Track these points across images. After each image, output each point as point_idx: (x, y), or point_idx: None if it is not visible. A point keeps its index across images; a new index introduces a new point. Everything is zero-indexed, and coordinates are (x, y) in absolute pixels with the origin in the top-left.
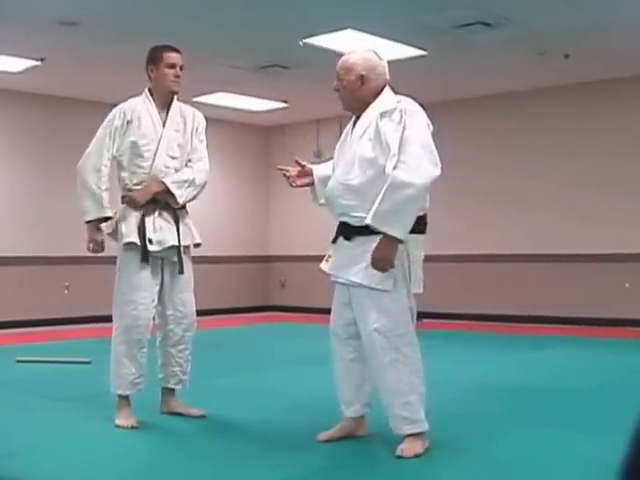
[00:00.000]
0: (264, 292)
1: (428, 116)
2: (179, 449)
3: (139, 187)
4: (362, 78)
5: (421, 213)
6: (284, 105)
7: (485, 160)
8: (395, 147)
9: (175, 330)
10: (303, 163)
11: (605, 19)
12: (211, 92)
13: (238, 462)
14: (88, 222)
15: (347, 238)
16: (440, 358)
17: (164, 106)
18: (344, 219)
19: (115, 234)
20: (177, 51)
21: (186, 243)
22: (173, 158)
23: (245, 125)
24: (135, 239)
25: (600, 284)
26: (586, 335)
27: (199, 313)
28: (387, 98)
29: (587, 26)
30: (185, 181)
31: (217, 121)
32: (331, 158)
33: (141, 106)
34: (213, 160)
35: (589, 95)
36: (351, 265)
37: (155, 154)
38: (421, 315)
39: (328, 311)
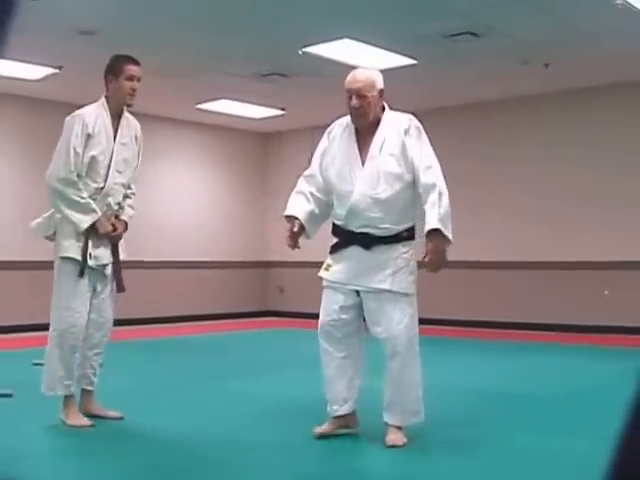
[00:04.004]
0: (262, 297)
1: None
2: (161, 454)
3: (87, 200)
4: (381, 92)
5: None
6: (281, 112)
7: (471, 167)
8: (427, 160)
9: (95, 334)
10: (295, 230)
11: (585, 29)
12: (214, 99)
13: (236, 461)
14: (85, 229)
15: (367, 247)
16: (427, 364)
17: (115, 116)
18: (366, 230)
19: (52, 237)
20: (137, 63)
21: (121, 260)
22: (119, 173)
23: (243, 131)
24: (75, 254)
25: (580, 292)
26: (567, 342)
27: (198, 318)
28: (395, 114)
29: (567, 36)
30: (131, 217)
31: (216, 127)
32: None
33: (99, 118)
34: (211, 166)
35: (568, 103)
36: (371, 273)
37: (108, 170)
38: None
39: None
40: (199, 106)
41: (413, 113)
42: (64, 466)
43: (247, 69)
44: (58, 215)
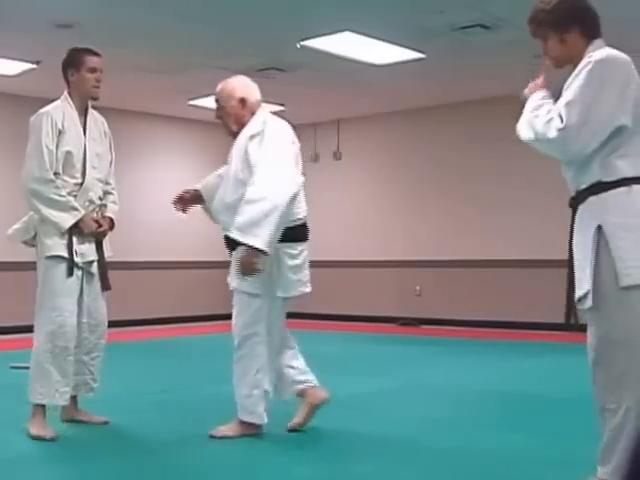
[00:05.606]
0: None
1: (425, 119)
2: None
3: (66, 198)
4: (243, 101)
5: (298, 223)
6: (281, 108)
7: (482, 164)
8: (258, 169)
9: (89, 338)
10: (187, 193)
11: (605, 21)
12: (207, 95)
13: (221, 461)
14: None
15: (232, 249)
16: (430, 365)
17: (81, 111)
18: (225, 233)
19: (32, 241)
20: (98, 55)
21: (107, 257)
22: (94, 168)
23: None
24: (61, 252)
25: None
26: (572, 341)
27: (196, 319)
28: (256, 120)
29: None
30: (116, 213)
31: (213, 124)
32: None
33: (66, 114)
34: (208, 165)
35: None
36: (233, 273)
37: (84, 165)
38: (418, 321)
39: (322, 317)
40: (191, 102)
41: (421, 109)
42: (46, 471)
43: (242, 64)
44: (37, 217)
